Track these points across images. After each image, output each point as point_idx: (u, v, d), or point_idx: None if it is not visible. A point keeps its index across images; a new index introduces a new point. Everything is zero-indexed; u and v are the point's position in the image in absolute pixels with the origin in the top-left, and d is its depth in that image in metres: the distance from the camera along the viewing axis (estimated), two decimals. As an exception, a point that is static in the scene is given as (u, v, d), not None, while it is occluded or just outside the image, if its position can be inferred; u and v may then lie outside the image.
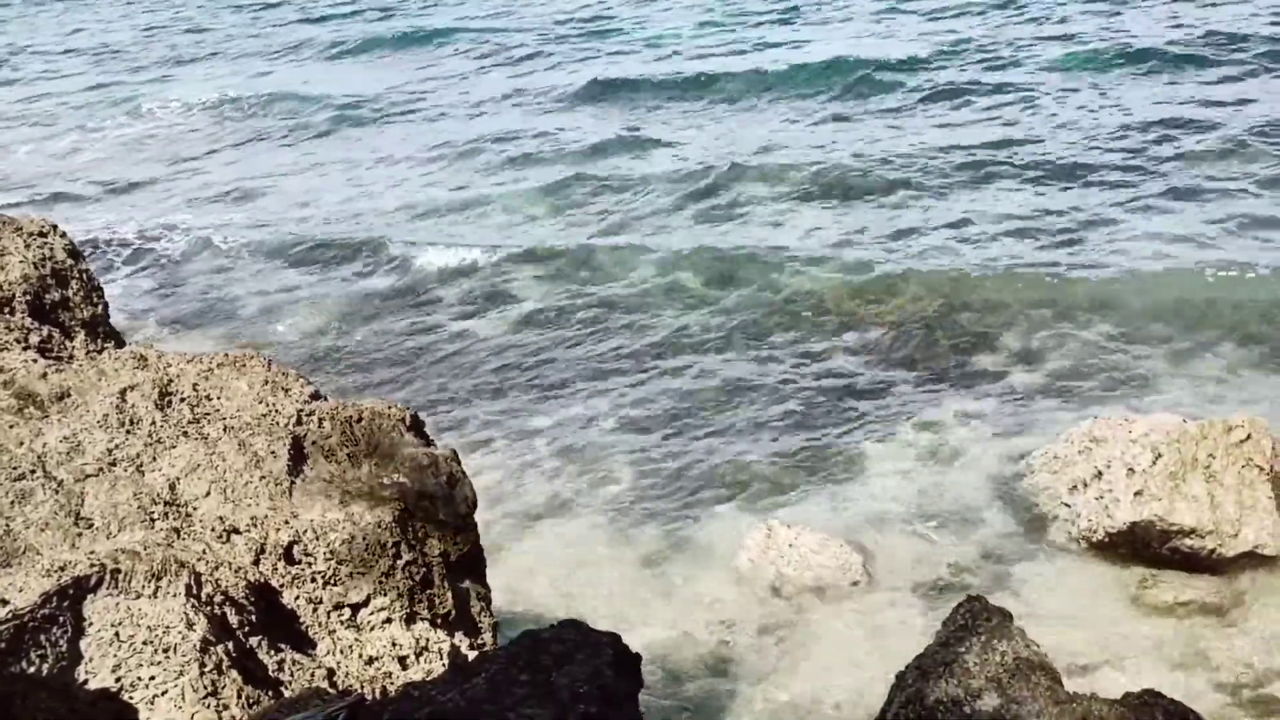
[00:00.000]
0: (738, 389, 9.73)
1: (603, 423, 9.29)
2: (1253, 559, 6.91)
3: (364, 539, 4.32)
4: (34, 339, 5.03)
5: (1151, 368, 9.36)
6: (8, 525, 3.82)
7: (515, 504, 8.34)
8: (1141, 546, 7.13)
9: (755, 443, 8.87)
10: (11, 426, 4.19)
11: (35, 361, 4.59)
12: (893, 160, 14.68)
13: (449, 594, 4.65)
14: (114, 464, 4.23)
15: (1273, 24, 18.27)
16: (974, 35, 20.33)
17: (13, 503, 3.94)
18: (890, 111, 17.15)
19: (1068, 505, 7.58)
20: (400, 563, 4.42)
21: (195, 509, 4.21)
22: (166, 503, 4.16)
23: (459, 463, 4.93)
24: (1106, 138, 14.51)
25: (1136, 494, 7.10)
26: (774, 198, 14.04)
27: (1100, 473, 7.39)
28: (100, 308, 6.85)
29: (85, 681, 3.29)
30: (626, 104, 19.31)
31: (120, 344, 6.71)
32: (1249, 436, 7.15)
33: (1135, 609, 6.83)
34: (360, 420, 4.88)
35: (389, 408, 5.02)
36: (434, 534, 4.68)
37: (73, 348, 5.91)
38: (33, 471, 4.06)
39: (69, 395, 4.44)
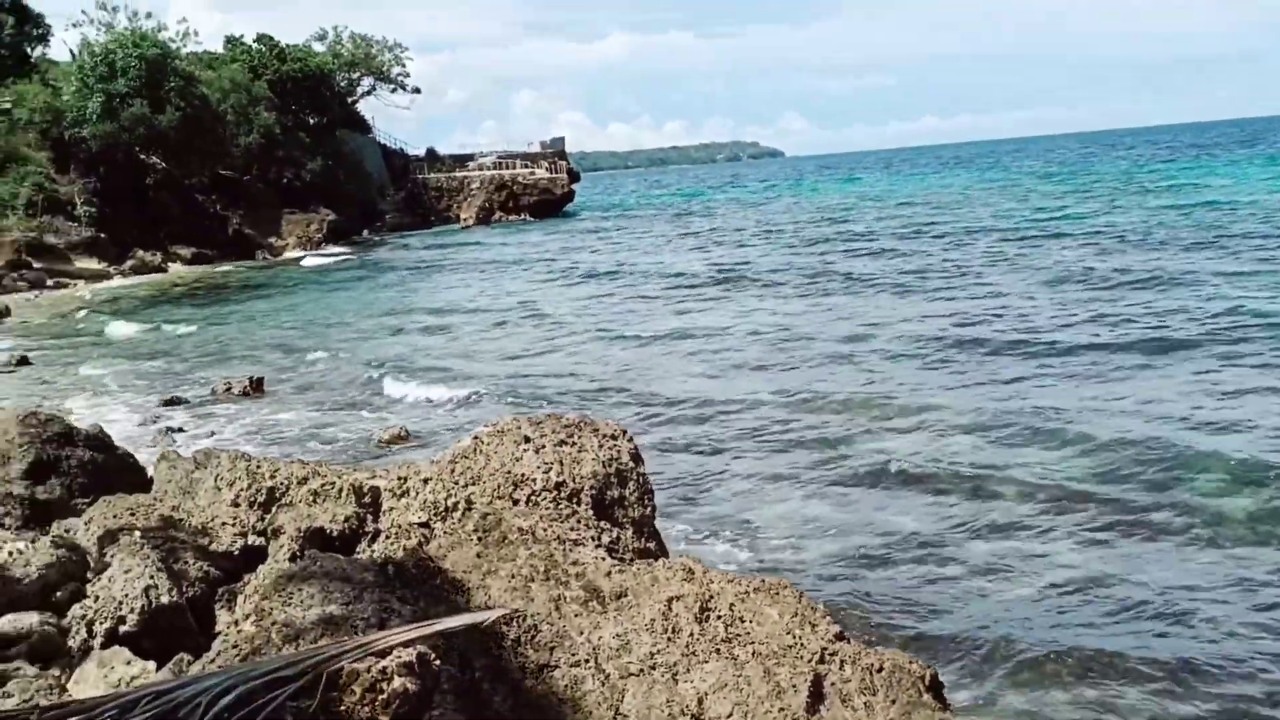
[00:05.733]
0: None
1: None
2: None
3: (873, 797, 4.20)
4: (605, 539, 5.62)
5: None
6: (560, 709, 4.22)
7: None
8: None
9: None
10: (577, 616, 4.67)
11: (603, 560, 5.12)
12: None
13: None
14: (654, 668, 4.54)
15: None
16: None
17: (566, 687, 4.35)
18: None
19: None
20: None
21: (717, 727, 4.36)
22: (693, 715, 4.36)
23: (977, 735, 4.68)
24: None
25: None
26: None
27: None
28: (649, 509, 7.50)
29: None
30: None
31: (661, 544, 7.27)
32: None
33: None
34: (881, 670, 4.83)
35: (910, 662, 4.92)
36: (943, 807, 4.44)
37: (626, 545, 6.51)
38: (587, 661, 4.47)
39: (625, 595, 4.87)
